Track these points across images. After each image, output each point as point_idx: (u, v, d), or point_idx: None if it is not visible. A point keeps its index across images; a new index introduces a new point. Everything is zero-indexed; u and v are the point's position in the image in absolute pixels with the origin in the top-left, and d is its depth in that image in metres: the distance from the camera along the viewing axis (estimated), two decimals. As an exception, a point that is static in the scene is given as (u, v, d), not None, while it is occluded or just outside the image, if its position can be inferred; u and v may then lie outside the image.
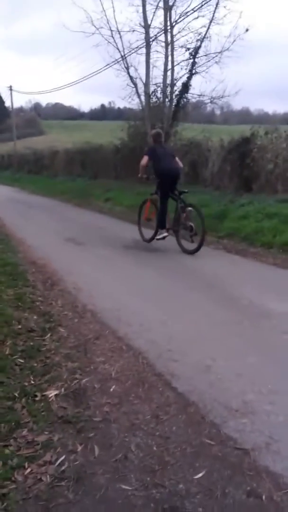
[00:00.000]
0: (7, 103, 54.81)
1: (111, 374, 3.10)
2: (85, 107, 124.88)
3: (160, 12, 14.99)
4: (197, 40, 14.68)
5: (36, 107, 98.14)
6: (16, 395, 2.77)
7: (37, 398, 2.76)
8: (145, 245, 7.59)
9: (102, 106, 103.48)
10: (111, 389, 2.90)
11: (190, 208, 7.16)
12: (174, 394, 2.83)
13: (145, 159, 7.32)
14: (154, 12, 15.04)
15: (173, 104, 15.53)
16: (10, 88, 35.18)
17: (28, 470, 2.13)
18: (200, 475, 2.11)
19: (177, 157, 7.63)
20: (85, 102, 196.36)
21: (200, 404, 2.71)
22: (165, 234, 7.35)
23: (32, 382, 2.95)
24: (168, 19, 14.78)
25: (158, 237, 7.40)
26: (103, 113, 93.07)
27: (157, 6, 14.86)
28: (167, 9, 14.71)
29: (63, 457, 2.22)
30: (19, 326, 3.88)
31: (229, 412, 2.63)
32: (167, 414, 2.61)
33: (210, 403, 2.72)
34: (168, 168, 7.23)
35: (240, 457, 2.23)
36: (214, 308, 4.51)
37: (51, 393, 2.82)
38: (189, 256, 6.87)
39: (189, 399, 2.76)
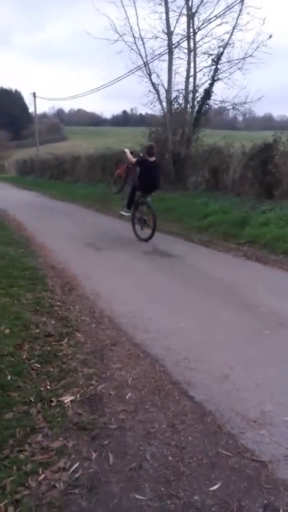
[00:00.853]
0: (31, 109, 55.64)
1: (127, 381, 3.08)
2: (107, 114, 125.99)
3: (183, 19, 15.09)
4: (220, 47, 14.73)
5: (59, 113, 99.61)
6: (32, 400, 2.77)
7: (52, 404, 2.76)
8: (163, 251, 7.57)
9: (124, 112, 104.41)
10: (127, 396, 2.88)
11: (147, 207, 8.70)
12: (190, 403, 2.79)
13: (126, 171, 8.98)
14: (177, 19, 15.16)
15: (195, 110, 15.54)
16: (34, 95, 35.75)
17: (42, 476, 2.12)
18: (216, 487, 2.07)
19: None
20: (107, 108, 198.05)
21: (217, 414, 2.67)
22: (129, 213, 9.07)
23: (48, 387, 2.95)
24: (191, 25, 14.86)
25: (123, 212, 9.17)
26: (125, 119, 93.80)
27: (180, 13, 14.96)
28: (190, 15, 14.78)
29: (77, 464, 2.21)
30: (37, 331, 3.90)
31: (247, 422, 2.58)
32: (183, 423, 2.57)
33: (227, 413, 2.68)
34: (151, 182, 8.50)
35: (257, 469, 2.18)
36: (233, 316, 4.45)
37: (67, 398, 2.81)
38: (209, 262, 6.82)
39: (206, 409, 2.72)
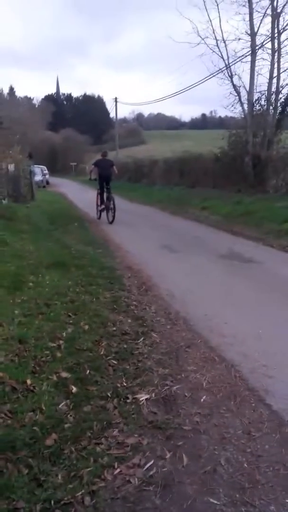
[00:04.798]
0: (112, 114, 57.21)
1: (202, 384, 3.06)
2: (186, 117, 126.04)
3: (268, 19, 14.73)
4: (306, 46, 14.12)
5: (139, 117, 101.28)
6: (109, 395, 2.85)
7: (128, 400, 2.81)
8: (241, 255, 7.41)
9: (203, 115, 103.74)
10: (202, 400, 2.86)
11: (109, 197, 11.81)
12: (268, 412, 2.71)
13: (93, 168, 12.62)
14: (261, 20, 14.82)
15: (278, 111, 15.08)
16: (115, 100, 36.84)
17: (118, 470, 2.17)
18: (293, 499, 1.99)
19: (114, 166, 12.41)
20: (186, 112, 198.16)
21: (296, 425, 2.56)
22: (102, 207, 12.17)
23: (124, 384, 3.02)
24: (275, 26, 14.44)
25: (99, 208, 12.42)
26: (203, 122, 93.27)
27: (265, 13, 14.62)
28: (275, 16, 14.39)
29: (151, 462, 2.23)
30: (114, 328, 4.00)
31: None
32: (259, 431, 2.50)
33: (307, 425, 2.56)
34: (105, 174, 12.00)
35: None
36: (314, 325, 4.24)
37: (142, 396, 2.86)
38: (287, 268, 6.59)
39: (284, 418, 2.63)
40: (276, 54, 14.64)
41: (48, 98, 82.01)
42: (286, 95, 14.94)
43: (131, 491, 2.04)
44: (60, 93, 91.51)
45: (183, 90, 29.28)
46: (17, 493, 1.96)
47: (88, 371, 3.12)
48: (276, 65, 14.68)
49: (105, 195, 12.04)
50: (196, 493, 2.03)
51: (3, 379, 2.88)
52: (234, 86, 15.55)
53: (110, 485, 2.08)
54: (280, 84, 14.92)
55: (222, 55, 15.63)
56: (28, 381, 2.90)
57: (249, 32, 14.83)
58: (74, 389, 2.88)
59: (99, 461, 2.23)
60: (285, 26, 14.41)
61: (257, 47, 14.85)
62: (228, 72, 15.57)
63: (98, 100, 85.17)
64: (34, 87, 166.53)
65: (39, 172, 28.47)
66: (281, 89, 14.97)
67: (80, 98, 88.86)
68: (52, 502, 1.93)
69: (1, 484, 2.00)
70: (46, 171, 34.49)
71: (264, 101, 15.32)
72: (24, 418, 2.50)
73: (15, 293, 4.75)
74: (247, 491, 2.04)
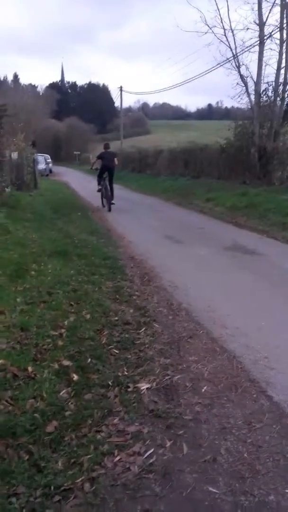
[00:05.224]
0: (117, 103, 56.88)
1: (204, 375, 3.06)
2: (192, 107, 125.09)
3: (277, 9, 14.54)
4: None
5: (144, 107, 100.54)
6: (110, 383, 2.86)
7: (129, 389, 2.82)
8: (245, 247, 7.38)
9: (209, 105, 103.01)
10: (203, 390, 2.86)
11: (107, 187, 12.58)
12: (269, 403, 2.71)
13: (97, 160, 13.36)
14: (270, 9, 14.60)
15: (285, 103, 14.92)
16: (121, 88, 36.57)
17: (118, 458, 2.18)
18: (292, 489, 1.99)
19: (115, 158, 13.13)
20: (192, 102, 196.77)
21: (297, 417, 2.56)
22: (100, 187, 13.00)
23: (126, 373, 3.03)
24: (284, 16, 14.22)
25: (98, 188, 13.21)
26: (209, 113, 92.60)
27: (274, 3, 14.39)
28: (284, 5, 14.17)
29: (151, 450, 2.24)
30: (116, 318, 4.00)
31: None
32: (260, 422, 2.51)
33: (308, 417, 2.56)
34: (107, 165, 12.72)
35: None
36: None
37: (143, 386, 2.86)
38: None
39: (285, 410, 2.63)
40: (284, 44, 14.43)
41: (53, 86, 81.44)
42: (294, 86, 14.73)
43: (131, 478, 2.05)
44: (65, 81, 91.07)
45: (190, 80, 29.15)
46: (17, 478, 1.97)
47: (89, 360, 3.13)
48: (284, 56, 14.47)
49: (105, 183, 12.74)
50: (196, 481, 2.04)
51: (5, 366, 2.89)
52: (241, 76, 15.38)
53: (110, 472, 2.09)
54: (288, 75, 14.73)
55: (229, 44, 15.43)
56: (30, 369, 2.91)
57: (257, 21, 14.61)
58: (75, 377, 2.89)
59: (100, 448, 2.24)
60: (295, 16, 14.18)
61: (265, 37, 14.64)
62: (235, 62, 15.39)
63: (103, 89, 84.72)
64: (39, 75, 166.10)
65: (43, 161, 28.42)
66: (289, 80, 14.78)
67: (85, 86, 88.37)
68: (52, 488, 1.95)
69: (1, 470, 2.01)
70: (50, 160, 34.41)
71: (272, 92, 15.13)
72: (25, 405, 2.51)
73: (17, 281, 4.76)
74: (246, 480, 2.04)
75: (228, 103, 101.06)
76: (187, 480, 2.05)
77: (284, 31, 14.39)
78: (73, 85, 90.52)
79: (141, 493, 1.97)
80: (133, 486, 2.00)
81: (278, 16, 14.46)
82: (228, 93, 24.03)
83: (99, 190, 13.18)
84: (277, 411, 2.62)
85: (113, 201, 12.37)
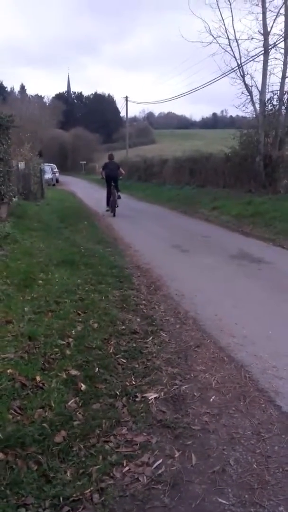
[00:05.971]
0: (122, 113, 57.32)
1: (212, 384, 3.05)
2: (197, 116, 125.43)
3: (281, 19, 14.56)
4: None
5: (149, 116, 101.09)
6: (118, 393, 2.86)
7: (137, 399, 2.82)
8: (251, 256, 7.37)
9: (214, 114, 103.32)
10: (211, 399, 2.85)
11: (113, 193, 13.44)
12: (278, 413, 2.69)
13: (102, 170, 14.28)
14: (275, 19, 14.65)
15: (291, 111, 14.94)
16: (126, 98, 36.84)
17: (126, 468, 2.18)
18: (303, 501, 1.97)
19: (120, 168, 14.17)
20: (197, 111, 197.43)
21: (306, 427, 2.54)
22: (107, 208, 13.59)
23: (133, 382, 3.02)
24: (289, 25, 14.28)
25: (106, 209, 13.74)
26: (214, 122, 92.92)
27: (278, 12, 14.46)
28: (289, 15, 14.22)
29: (160, 461, 2.23)
30: (123, 327, 4.01)
31: None
32: (269, 432, 2.49)
33: None
34: (111, 175, 13.68)
35: None
36: None
37: (151, 395, 2.86)
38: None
39: (294, 420, 2.61)
40: (289, 53, 14.50)
41: (59, 97, 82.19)
42: (299, 95, 14.76)
43: (139, 489, 2.04)
44: (71, 92, 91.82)
45: (194, 90, 29.33)
46: (26, 489, 1.97)
47: (97, 369, 3.13)
48: (289, 65, 14.54)
49: (113, 191, 13.70)
50: (205, 492, 2.03)
51: (13, 375, 2.90)
52: (246, 85, 15.44)
53: (119, 482, 2.08)
54: (293, 84, 14.77)
55: (234, 54, 15.51)
56: (38, 378, 2.92)
57: (262, 31, 14.69)
58: (83, 387, 2.89)
59: (108, 458, 2.23)
60: (299, 26, 14.24)
61: (270, 47, 14.71)
62: (240, 72, 15.46)
63: (109, 99, 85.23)
64: (45, 86, 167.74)
65: (49, 171, 28.62)
66: (294, 89, 14.82)
67: (91, 96, 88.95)
68: (61, 498, 1.94)
69: (10, 480, 2.01)
70: (56, 170, 34.65)
71: (276, 101, 15.18)
72: (34, 415, 2.51)
73: (25, 290, 4.77)
74: (256, 491, 2.03)
75: (233, 112, 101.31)
76: (196, 491, 2.04)
77: (289, 41, 14.46)
78: (79, 95, 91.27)
79: (150, 504, 1.96)
80: (142, 497, 1.99)
81: (282, 25, 14.53)
82: (233, 102, 24.07)
83: (107, 210, 13.69)
84: (286, 421, 2.60)
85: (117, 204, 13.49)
